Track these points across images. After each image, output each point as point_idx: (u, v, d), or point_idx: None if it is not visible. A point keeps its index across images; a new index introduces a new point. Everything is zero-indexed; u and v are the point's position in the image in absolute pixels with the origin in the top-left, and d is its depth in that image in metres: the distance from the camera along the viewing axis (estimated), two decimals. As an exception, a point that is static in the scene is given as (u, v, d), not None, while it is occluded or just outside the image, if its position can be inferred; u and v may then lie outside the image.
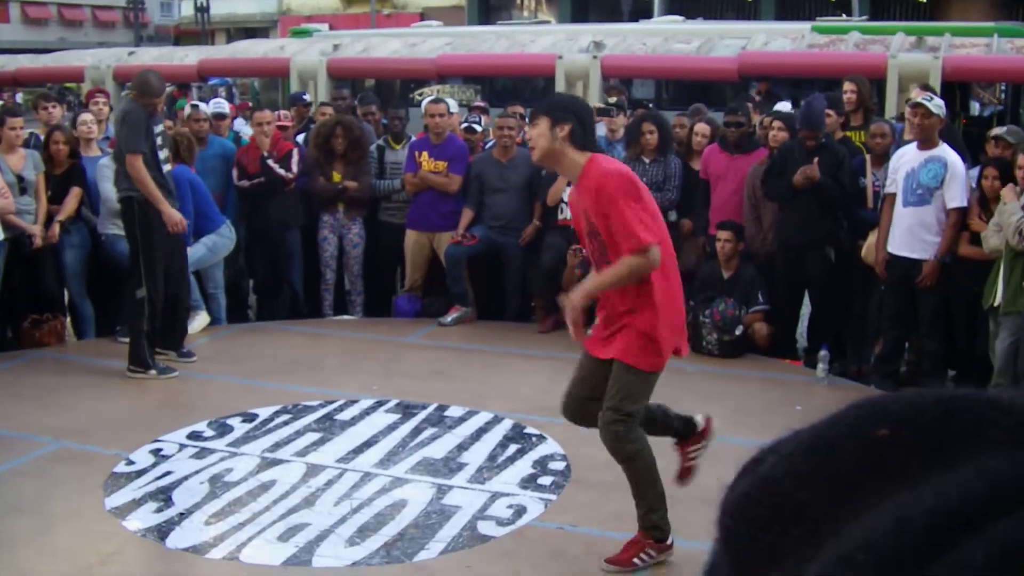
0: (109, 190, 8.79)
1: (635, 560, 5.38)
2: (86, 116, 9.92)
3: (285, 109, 11.67)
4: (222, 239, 9.75)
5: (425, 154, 10.04)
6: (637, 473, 5.30)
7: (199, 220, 9.46)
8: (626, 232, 5.01)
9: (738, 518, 0.62)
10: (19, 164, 8.80)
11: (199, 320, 9.66)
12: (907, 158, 8.23)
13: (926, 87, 9.43)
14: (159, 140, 8.23)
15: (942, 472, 0.56)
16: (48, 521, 5.90)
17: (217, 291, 9.97)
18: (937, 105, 8.15)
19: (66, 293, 9.57)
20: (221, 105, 11.54)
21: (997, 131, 8.87)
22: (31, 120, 10.30)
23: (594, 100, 12.16)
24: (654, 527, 5.36)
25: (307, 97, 12.21)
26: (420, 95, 15.98)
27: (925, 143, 8.13)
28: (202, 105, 11.20)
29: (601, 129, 10.57)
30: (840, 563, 0.54)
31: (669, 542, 5.41)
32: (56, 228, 9.02)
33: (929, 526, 0.53)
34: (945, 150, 8.11)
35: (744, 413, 7.67)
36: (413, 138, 10.62)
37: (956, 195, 8.06)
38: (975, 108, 17.89)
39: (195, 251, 9.42)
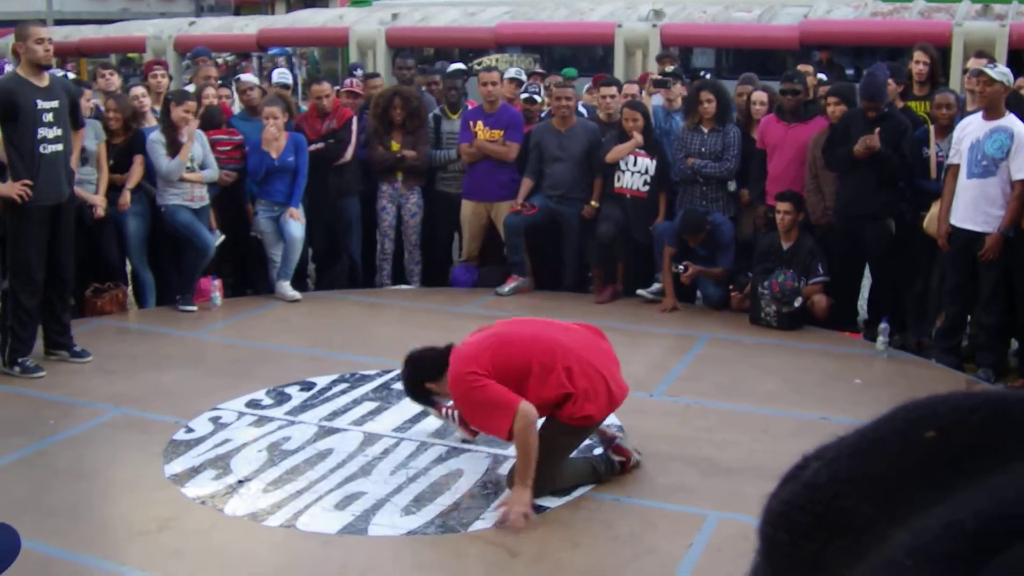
0: (162, 162, 9.12)
1: None
2: (137, 90, 9.97)
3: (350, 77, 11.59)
4: None
5: (480, 123, 10.03)
6: None
7: None
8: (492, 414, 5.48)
9: (779, 526, 0.61)
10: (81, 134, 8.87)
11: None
12: (972, 128, 8.04)
13: (981, 54, 9.22)
14: (48, 116, 7.64)
15: (992, 475, 0.54)
16: (108, 488, 5.99)
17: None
18: (1000, 72, 7.96)
19: (127, 262, 9.67)
20: (284, 76, 11.53)
21: None
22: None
23: (652, 68, 12.08)
24: None
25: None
26: (478, 64, 15.95)
27: (990, 112, 7.95)
28: (243, 76, 11.29)
29: (658, 99, 10.51)
30: (887, 569, 0.53)
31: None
32: (127, 195, 9.15)
33: (980, 529, 0.52)
34: (1011, 120, 7.91)
35: (802, 386, 7.62)
36: (468, 107, 10.60)
37: (1022, 166, 7.88)
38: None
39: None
